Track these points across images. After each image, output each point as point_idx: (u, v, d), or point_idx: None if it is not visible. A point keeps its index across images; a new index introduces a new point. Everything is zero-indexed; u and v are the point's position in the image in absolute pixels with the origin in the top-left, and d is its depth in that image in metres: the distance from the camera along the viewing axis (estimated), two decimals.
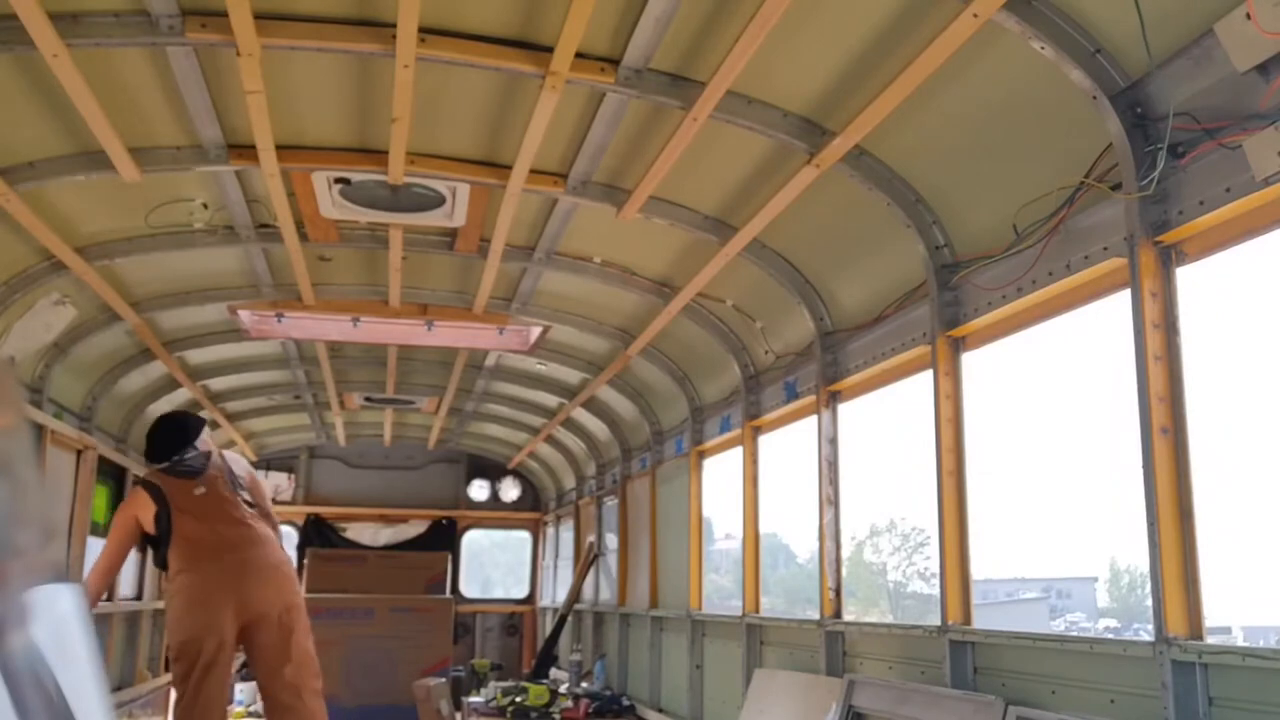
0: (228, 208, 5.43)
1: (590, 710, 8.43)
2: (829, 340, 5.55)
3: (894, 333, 4.94)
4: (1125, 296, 3.32)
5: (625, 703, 8.67)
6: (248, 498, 5.92)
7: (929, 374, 4.50)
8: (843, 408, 5.58)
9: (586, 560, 10.58)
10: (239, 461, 6.20)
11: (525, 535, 13.43)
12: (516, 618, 13.17)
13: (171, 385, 8.35)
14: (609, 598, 10.12)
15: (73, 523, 7.07)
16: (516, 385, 9.35)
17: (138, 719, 9.12)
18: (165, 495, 5.71)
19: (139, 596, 9.31)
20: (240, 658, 5.90)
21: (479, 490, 13.00)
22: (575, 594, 10.76)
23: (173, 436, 5.88)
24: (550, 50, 3.77)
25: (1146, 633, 3.96)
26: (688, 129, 4.16)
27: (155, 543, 5.73)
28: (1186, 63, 3.01)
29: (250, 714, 10.95)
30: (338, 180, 5.02)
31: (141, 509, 5.70)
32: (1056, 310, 3.93)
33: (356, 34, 3.80)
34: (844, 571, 5.47)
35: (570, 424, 10.09)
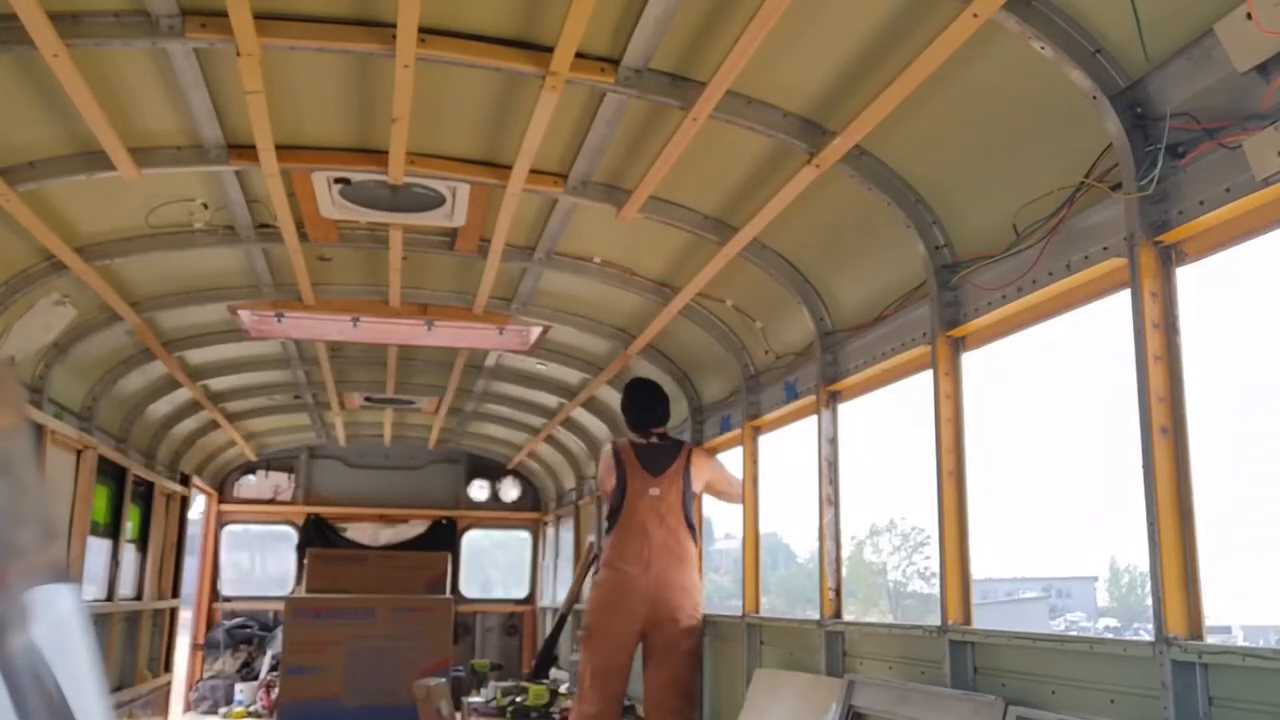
0: (228, 208, 5.43)
1: None
2: (829, 340, 5.55)
3: (894, 333, 4.94)
4: (1125, 296, 3.32)
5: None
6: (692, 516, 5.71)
7: (929, 374, 4.50)
8: (843, 408, 5.58)
9: (586, 560, 10.58)
10: (703, 459, 5.83)
11: (525, 535, 13.43)
12: (516, 618, 13.18)
13: (171, 385, 8.35)
14: None
15: (73, 523, 7.07)
16: (516, 385, 9.36)
17: (138, 719, 9.12)
18: (626, 475, 5.71)
19: (139, 596, 9.31)
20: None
21: (479, 490, 13.01)
22: (575, 594, 10.76)
23: (652, 408, 5.90)
24: (550, 50, 3.77)
25: (1146, 632, 3.96)
26: (688, 129, 4.16)
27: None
28: (1186, 63, 3.01)
29: (250, 714, 10.97)
30: (338, 180, 5.02)
31: (605, 472, 5.82)
32: (1056, 310, 3.93)
33: (356, 34, 3.80)
34: (844, 571, 5.47)
35: (570, 424, 10.09)
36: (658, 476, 5.60)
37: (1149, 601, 3.17)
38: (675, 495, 5.56)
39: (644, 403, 5.96)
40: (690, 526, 5.61)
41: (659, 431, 5.84)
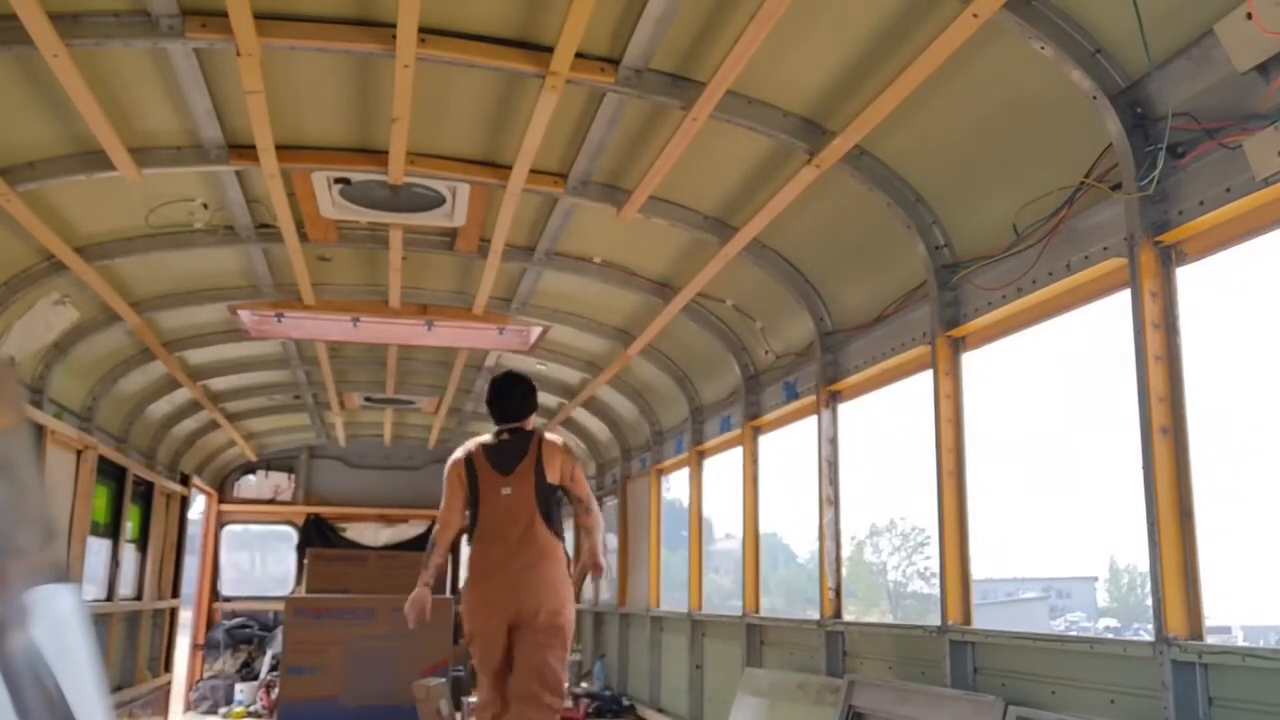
0: (228, 208, 5.42)
1: (590, 710, 8.43)
2: (829, 340, 5.55)
3: (894, 333, 4.94)
4: (1125, 296, 3.32)
5: (625, 703, 8.67)
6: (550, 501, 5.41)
7: (929, 374, 4.50)
8: (843, 408, 5.58)
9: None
10: (555, 449, 5.44)
11: None
12: None
13: (171, 385, 8.35)
14: (609, 598, 10.12)
15: (73, 523, 7.07)
16: None
17: (138, 719, 9.13)
18: (477, 481, 5.40)
19: (139, 596, 9.31)
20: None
21: None
22: (575, 594, 10.76)
23: (503, 400, 5.49)
24: (550, 50, 3.77)
25: (1146, 633, 3.96)
26: (688, 129, 4.16)
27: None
28: (1186, 63, 3.01)
29: (250, 714, 10.97)
30: (338, 180, 5.02)
31: (451, 484, 5.46)
32: (1056, 310, 3.93)
33: (356, 34, 3.80)
34: (844, 571, 5.47)
35: (570, 424, 10.09)
36: (508, 475, 5.36)
37: (1149, 601, 3.17)
38: (526, 490, 5.31)
39: (499, 395, 5.55)
40: (549, 520, 5.33)
41: (512, 427, 5.46)
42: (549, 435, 5.47)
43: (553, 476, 5.36)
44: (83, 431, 7.18)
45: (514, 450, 5.41)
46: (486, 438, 5.58)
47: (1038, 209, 3.77)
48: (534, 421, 5.54)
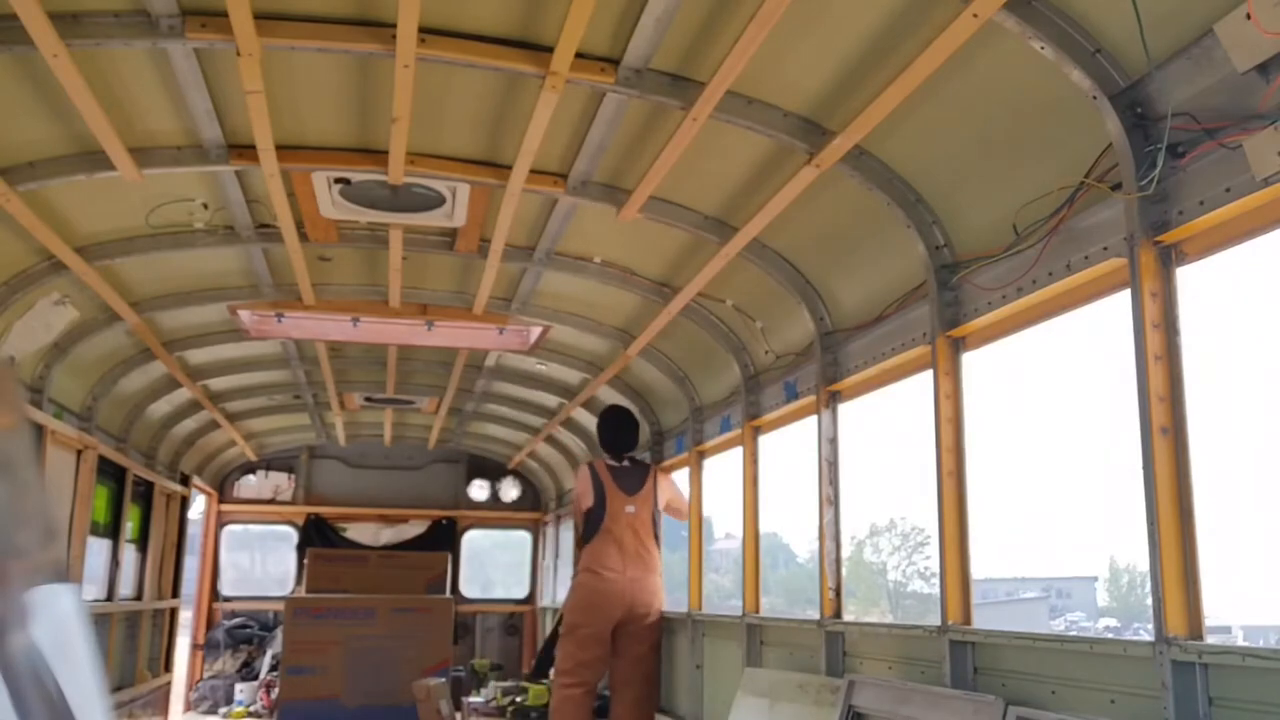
0: (228, 208, 5.43)
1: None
2: (829, 340, 5.55)
3: (894, 333, 4.94)
4: (1125, 296, 3.32)
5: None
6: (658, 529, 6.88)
7: (929, 374, 4.49)
8: (843, 408, 5.58)
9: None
10: (665, 479, 7.00)
11: (525, 535, 13.43)
12: (516, 618, 13.17)
13: (171, 385, 8.36)
14: None
15: (73, 523, 7.07)
16: (516, 385, 9.36)
17: (138, 719, 9.13)
18: (604, 493, 6.74)
19: (139, 596, 9.31)
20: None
21: (479, 490, 13.00)
22: None
23: (624, 434, 7.03)
24: (550, 50, 3.77)
25: (1146, 632, 3.96)
26: (688, 129, 4.16)
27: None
28: (1186, 63, 3.01)
29: (250, 714, 10.97)
30: (338, 180, 5.02)
31: (583, 490, 6.89)
32: (1056, 310, 3.93)
33: (356, 34, 3.80)
34: (844, 571, 5.47)
35: (570, 424, 10.09)
36: (632, 495, 6.66)
37: (1149, 601, 3.17)
38: (646, 512, 6.66)
39: (620, 429, 7.01)
40: (656, 538, 6.70)
41: (629, 455, 6.91)
42: (660, 469, 7.02)
43: (662, 502, 6.83)
44: (83, 431, 7.18)
45: (636, 476, 6.86)
46: (607, 459, 6.99)
47: (1038, 209, 3.77)
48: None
